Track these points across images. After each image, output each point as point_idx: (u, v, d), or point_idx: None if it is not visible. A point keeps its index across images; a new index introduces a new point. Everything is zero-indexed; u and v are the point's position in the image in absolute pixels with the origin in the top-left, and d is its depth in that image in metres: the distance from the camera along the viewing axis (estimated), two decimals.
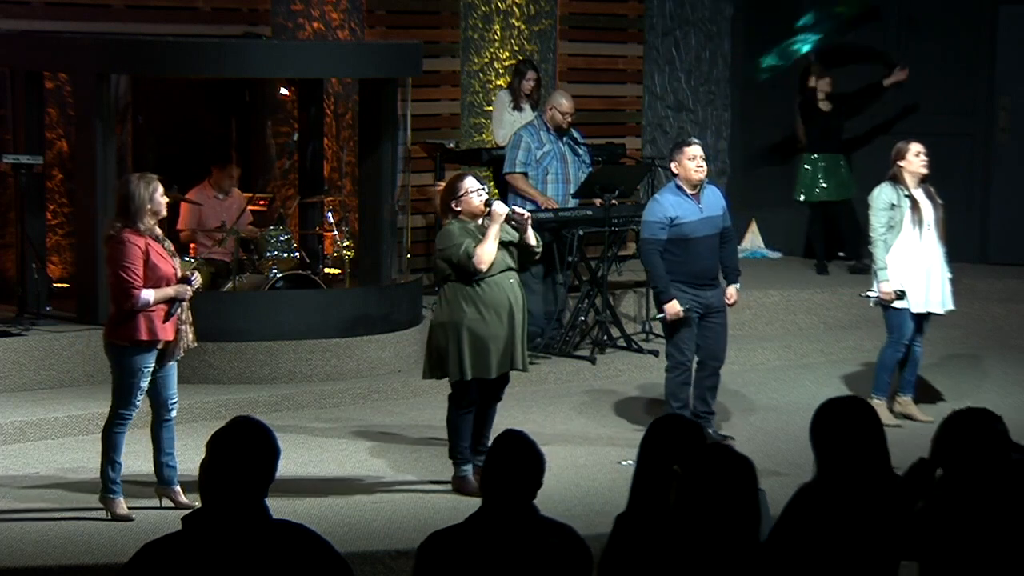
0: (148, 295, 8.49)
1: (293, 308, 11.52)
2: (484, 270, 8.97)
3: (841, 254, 14.97)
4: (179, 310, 8.61)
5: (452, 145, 13.77)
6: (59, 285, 12.32)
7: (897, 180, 10.67)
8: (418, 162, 13.70)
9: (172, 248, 8.85)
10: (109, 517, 8.60)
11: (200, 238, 12.26)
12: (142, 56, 11.55)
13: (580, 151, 12.51)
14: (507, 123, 13.40)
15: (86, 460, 9.52)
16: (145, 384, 8.57)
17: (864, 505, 5.31)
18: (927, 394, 11.41)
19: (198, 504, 4.73)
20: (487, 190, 9.31)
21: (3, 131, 12.14)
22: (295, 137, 13.30)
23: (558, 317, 12.44)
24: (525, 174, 12.30)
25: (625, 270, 13.74)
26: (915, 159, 10.66)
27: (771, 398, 11.70)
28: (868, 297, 10.82)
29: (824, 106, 14.49)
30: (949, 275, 10.84)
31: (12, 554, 8.04)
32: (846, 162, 14.56)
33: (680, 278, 10.07)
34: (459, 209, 9.08)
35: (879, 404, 10.34)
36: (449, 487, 9.25)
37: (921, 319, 10.78)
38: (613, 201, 12.11)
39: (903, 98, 14.98)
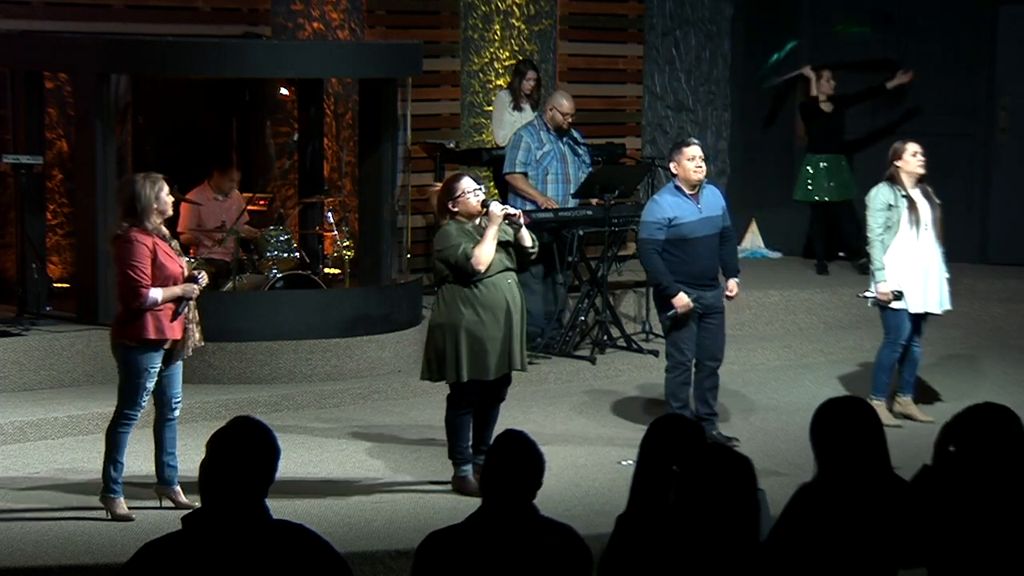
0: (156, 294, 8.49)
1: (293, 308, 11.52)
2: (483, 271, 8.95)
3: (841, 254, 14.97)
4: (186, 309, 8.62)
5: (452, 145, 13.77)
6: (59, 285, 12.32)
7: (894, 180, 10.65)
8: (418, 162, 13.69)
9: (179, 247, 8.87)
10: (109, 517, 8.60)
11: (200, 238, 12.26)
12: (142, 56, 11.55)
13: (580, 151, 12.51)
14: (507, 123, 13.39)
15: (86, 460, 9.53)
16: (151, 384, 8.56)
17: (864, 505, 5.31)
18: (927, 394, 11.41)
19: (198, 504, 4.74)
20: (484, 190, 9.30)
21: (3, 131, 12.13)
22: (295, 137, 13.29)
23: (558, 317, 12.43)
24: (525, 174, 12.29)
25: (625, 270, 13.73)
26: (912, 159, 10.64)
27: (771, 398, 11.69)
28: (866, 297, 10.81)
29: (826, 107, 14.48)
30: (947, 275, 10.82)
31: (12, 554, 8.03)
32: (847, 163, 14.56)
33: (679, 278, 10.06)
34: (456, 210, 9.06)
35: (878, 404, 10.33)
36: (449, 487, 9.24)
37: (919, 319, 10.77)
38: (613, 201, 12.12)
39: (904, 98, 14.99)
